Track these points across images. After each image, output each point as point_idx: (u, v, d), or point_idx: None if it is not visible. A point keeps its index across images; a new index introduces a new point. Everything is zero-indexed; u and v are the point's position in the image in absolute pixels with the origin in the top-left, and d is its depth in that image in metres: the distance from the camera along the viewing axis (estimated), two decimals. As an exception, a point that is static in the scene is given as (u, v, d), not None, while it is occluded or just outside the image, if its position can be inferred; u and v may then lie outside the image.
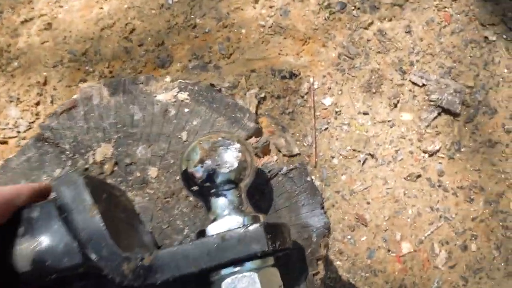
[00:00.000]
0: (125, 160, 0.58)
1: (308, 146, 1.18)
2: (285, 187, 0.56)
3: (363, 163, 1.18)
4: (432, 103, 1.20)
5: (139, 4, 1.28)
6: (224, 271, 0.41)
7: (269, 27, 1.23)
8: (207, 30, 1.23)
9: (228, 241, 0.40)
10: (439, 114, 1.21)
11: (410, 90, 1.22)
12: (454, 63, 1.23)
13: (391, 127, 1.20)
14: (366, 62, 1.21)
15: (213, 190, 0.45)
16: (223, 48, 1.21)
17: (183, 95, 0.60)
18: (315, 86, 1.19)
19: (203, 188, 0.45)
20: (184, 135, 0.58)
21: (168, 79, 0.62)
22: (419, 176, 1.18)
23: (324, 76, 1.20)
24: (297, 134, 1.17)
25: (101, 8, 1.29)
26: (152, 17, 1.25)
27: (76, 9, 1.30)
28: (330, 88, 1.20)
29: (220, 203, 0.45)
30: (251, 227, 0.40)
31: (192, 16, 1.25)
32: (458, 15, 1.26)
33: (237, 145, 0.46)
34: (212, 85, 1.15)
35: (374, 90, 1.20)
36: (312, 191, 0.56)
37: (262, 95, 1.17)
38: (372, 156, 1.18)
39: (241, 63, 1.20)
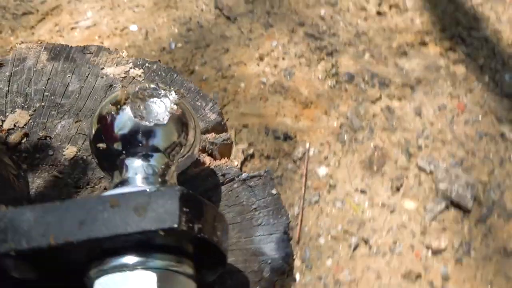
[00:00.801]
0: (39, 132, 0.44)
1: (293, 217, 1.01)
2: (239, 197, 0.40)
3: (354, 249, 1.00)
4: (440, 193, 1.06)
5: (141, 44, 1.23)
6: (105, 263, 0.25)
7: (270, 85, 1.15)
8: (204, 78, 1.15)
9: (118, 207, 0.25)
10: (447, 207, 1.05)
11: (415, 175, 1.08)
12: (467, 154, 1.11)
13: (391, 213, 1.04)
14: (369, 137, 1.10)
15: (127, 151, 0.31)
16: (217, 98, 1.12)
17: (136, 72, 0.48)
18: (311, 153, 1.07)
19: (114, 148, 0.31)
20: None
21: (124, 53, 0.50)
22: (419, 276, 0.99)
23: (322, 144, 1.08)
24: (283, 202, 1.01)
25: (102, 43, 1.24)
26: (151, 58, 1.19)
27: (75, 40, 1.25)
28: (326, 158, 1.07)
29: (135, 165, 0.31)
30: (160, 191, 0.26)
31: (192, 63, 1.18)
32: (473, 106, 1.17)
33: (174, 96, 0.33)
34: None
35: (375, 168, 1.07)
36: (276, 209, 0.40)
37: (251, 151, 1.04)
38: (366, 242, 1.01)
39: (234, 116, 1.10)
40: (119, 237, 0.24)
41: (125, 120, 0.31)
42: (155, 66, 0.49)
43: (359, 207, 1.04)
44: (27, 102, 0.46)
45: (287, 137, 1.08)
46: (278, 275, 0.37)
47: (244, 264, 0.37)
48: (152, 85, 0.33)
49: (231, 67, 1.18)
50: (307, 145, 1.07)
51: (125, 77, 0.48)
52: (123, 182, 0.30)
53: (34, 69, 0.48)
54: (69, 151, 0.43)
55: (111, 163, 0.32)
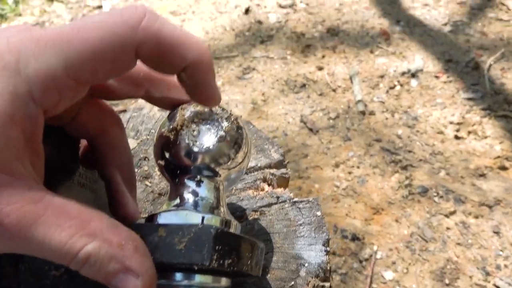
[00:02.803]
0: (140, 154, 0.56)
1: (354, 319, 0.98)
2: (288, 214, 0.47)
3: None
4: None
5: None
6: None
7: (342, 189, 1.21)
8: (282, 176, 1.26)
9: (163, 238, 0.30)
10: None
11: (493, 296, 1.00)
12: (555, 282, 1.01)
13: (465, 334, 0.95)
14: (442, 249, 1.07)
15: (181, 171, 0.35)
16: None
17: (222, 121, 0.60)
18: (378, 256, 1.06)
19: (170, 165, 0.36)
20: (205, 149, 0.56)
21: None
22: None
23: (390, 250, 1.08)
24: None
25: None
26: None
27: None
28: (394, 263, 1.05)
29: (186, 190, 0.35)
30: (200, 229, 0.30)
31: (273, 163, 1.30)
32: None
33: (225, 123, 0.35)
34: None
35: (447, 281, 1.02)
36: (318, 227, 0.46)
37: (317, 246, 1.07)
38: None
39: (305, 212, 1.16)
40: (163, 263, 0.30)
41: (178, 143, 0.34)
42: (237, 114, 0.61)
43: (427, 320, 0.98)
44: (137, 135, 0.60)
45: (355, 238, 1.09)
46: (311, 277, 0.41)
47: (284, 264, 0.42)
48: (207, 109, 0.35)
49: (308, 169, 1.27)
50: (375, 247, 1.08)
51: (212, 124, 0.60)
52: (176, 204, 0.34)
53: (147, 115, 0.63)
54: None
55: (168, 180, 0.37)
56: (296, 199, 0.48)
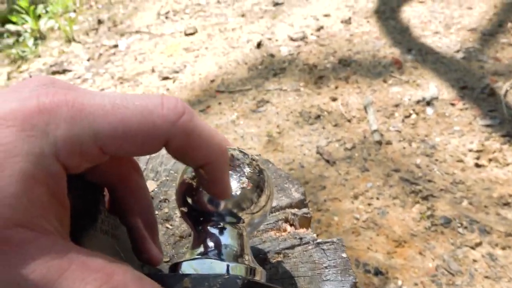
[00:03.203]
0: (160, 196, 0.56)
1: None
2: (312, 256, 0.46)
3: None
4: None
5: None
6: None
7: (363, 221, 1.19)
8: (300, 209, 1.24)
9: None
10: None
11: (528, 333, 0.95)
12: None
13: None
14: (469, 283, 1.03)
15: (204, 218, 0.35)
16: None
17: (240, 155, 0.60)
18: (403, 291, 1.03)
19: (193, 212, 0.35)
20: (225, 189, 0.56)
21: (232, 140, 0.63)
22: None
23: (416, 284, 1.04)
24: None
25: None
26: (255, 190, 1.33)
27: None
28: (421, 299, 1.02)
29: (209, 237, 0.34)
30: (226, 279, 0.30)
31: (291, 196, 1.29)
32: None
33: (247, 169, 0.35)
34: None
35: (477, 318, 0.98)
36: (344, 269, 0.44)
37: (339, 282, 1.04)
38: None
39: (325, 246, 1.14)
40: None
41: (201, 190, 0.34)
42: (257, 157, 0.61)
43: None
44: (156, 176, 0.60)
45: (378, 272, 1.06)
46: (341, 324, 0.39)
47: (311, 310, 0.41)
48: (229, 154, 0.35)
49: (326, 202, 1.26)
50: (400, 282, 1.04)
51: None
52: (200, 252, 0.34)
53: (166, 156, 0.63)
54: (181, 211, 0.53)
55: (191, 227, 0.36)
56: (319, 240, 0.47)
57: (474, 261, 1.08)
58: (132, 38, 2.53)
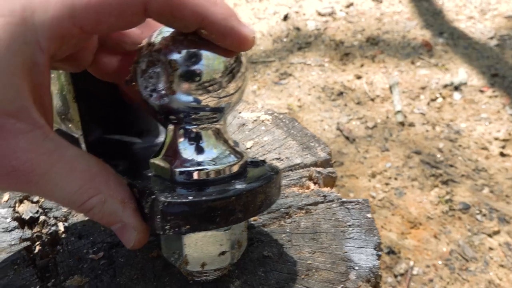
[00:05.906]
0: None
1: (387, 336, 0.93)
2: (336, 214, 0.44)
3: None
4: None
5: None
6: None
7: (379, 200, 1.17)
8: (316, 183, 1.22)
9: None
10: None
11: (540, 325, 0.93)
12: None
13: None
14: (483, 269, 1.01)
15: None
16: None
17: (266, 117, 0.58)
18: (414, 272, 1.01)
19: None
20: (249, 143, 0.54)
21: (260, 105, 0.61)
22: None
23: (428, 266, 1.03)
24: None
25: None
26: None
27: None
28: (432, 281, 1.00)
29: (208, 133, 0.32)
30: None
31: (307, 169, 1.27)
32: None
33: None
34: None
35: (489, 305, 0.96)
36: (369, 229, 0.43)
37: (350, 257, 1.03)
38: None
39: (339, 221, 1.12)
40: None
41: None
42: (281, 116, 0.59)
43: None
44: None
45: (390, 252, 1.05)
46: (362, 282, 0.38)
47: (332, 265, 0.39)
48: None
49: (343, 178, 1.24)
50: (411, 263, 1.03)
51: (255, 120, 0.58)
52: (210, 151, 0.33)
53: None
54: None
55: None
56: (344, 199, 0.46)
57: (490, 249, 1.06)
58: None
